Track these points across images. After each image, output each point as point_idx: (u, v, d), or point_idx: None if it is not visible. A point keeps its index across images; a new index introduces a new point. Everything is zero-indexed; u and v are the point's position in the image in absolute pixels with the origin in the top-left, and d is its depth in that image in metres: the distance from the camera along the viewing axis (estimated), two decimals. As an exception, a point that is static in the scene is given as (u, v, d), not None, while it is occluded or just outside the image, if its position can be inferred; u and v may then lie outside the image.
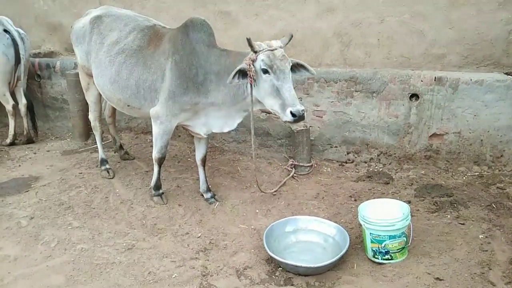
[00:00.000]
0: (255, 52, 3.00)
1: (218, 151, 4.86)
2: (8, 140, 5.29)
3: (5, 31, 5.04)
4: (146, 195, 3.86)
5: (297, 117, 2.91)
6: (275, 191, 3.87)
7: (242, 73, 3.05)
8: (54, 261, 2.95)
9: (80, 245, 3.14)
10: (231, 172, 4.37)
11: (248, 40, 2.96)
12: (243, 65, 3.03)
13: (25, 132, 5.36)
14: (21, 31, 5.24)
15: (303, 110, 2.91)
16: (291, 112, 2.90)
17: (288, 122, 2.97)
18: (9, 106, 5.19)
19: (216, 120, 3.48)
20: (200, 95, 3.34)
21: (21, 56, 5.11)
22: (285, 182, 4.05)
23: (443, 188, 3.71)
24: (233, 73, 3.03)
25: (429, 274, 2.65)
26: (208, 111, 3.45)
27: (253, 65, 3.01)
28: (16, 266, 2.91)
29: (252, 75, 3.02)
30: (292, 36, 3.18)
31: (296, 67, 3.15)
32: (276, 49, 3.01)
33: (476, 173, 3.92)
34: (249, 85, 3.10)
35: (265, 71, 2.97)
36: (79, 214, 3.57)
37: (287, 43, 3.13)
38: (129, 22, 3.72)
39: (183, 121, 3.52)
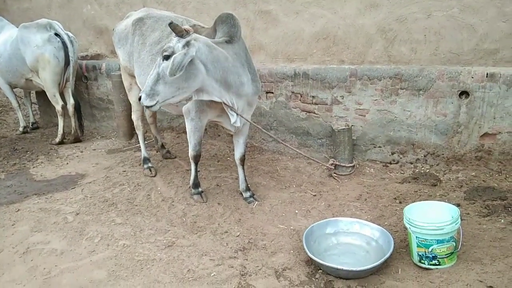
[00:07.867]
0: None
1: (257, 151, 4.84)
2: (57, 139, 5.55)
3: (56, 34, 5.29)
4: (186, 193, 3.90)
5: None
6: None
7: None
8: (97, 256, 3.03)
9: (122, 241, 3.21)
10: (270, 171, 4.33)
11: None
12: None
13: (72, 132, 5.60)
14: (70, 34, 5.48)
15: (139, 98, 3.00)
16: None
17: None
18: (58, 106, 5.43)
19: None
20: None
21: (70, 58, 5.34)
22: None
23: (496, 191, 3.49)
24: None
25: (481, 282, 2.48)
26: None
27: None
28: (62, 259, 3.02)
29: None
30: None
31: None
32: None
33: (533, 176, 3.66)
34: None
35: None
36: (122, 211, 3.66)
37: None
38: None
39: (213, 118, 3.52)
